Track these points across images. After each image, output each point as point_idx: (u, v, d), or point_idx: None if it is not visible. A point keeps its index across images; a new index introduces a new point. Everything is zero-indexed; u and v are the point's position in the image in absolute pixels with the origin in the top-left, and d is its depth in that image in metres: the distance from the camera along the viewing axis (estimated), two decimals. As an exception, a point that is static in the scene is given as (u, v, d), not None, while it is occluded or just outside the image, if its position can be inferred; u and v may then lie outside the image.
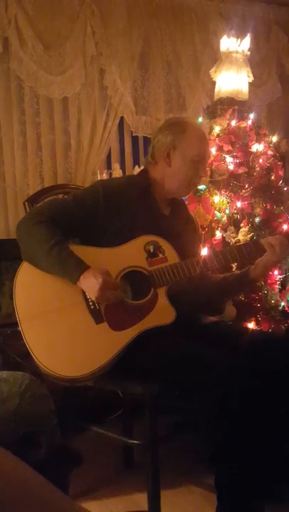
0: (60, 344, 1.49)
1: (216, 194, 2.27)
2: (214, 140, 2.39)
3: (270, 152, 2.45)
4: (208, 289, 1.71)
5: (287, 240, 1.59)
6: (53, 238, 1.51)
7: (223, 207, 2.25)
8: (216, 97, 2.58)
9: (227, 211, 2.25)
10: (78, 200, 1.64)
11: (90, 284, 1.46)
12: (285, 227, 2.27)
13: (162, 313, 1.52)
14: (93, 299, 1.49)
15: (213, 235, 2.20)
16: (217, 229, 2.21)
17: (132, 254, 1.56)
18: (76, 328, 1.50)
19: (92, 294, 1.48)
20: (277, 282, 2.21)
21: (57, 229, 1.54)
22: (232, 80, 2.51)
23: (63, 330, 1.50)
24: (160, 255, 1.56)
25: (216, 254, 1.59)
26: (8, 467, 0.68)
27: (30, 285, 1.55)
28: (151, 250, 1.57)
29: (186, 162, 1.66)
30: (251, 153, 2.38)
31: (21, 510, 0.63)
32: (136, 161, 3.23)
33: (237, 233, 2.19)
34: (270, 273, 2.15)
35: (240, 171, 2.32)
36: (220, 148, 2.37)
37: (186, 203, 2.17)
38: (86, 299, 1.52)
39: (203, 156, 1.69)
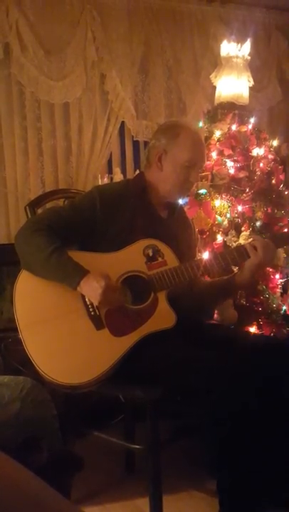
0: (61, 351, 1.49)
1: (217, 198, 2.27)
2: (215, 144, 2.40)
3: (270, 156, 2.46)
4: (199, 293, 1.70)
5: (272, 242, 1.58)
6: (52, 245, 1.50)
7: (224, 211, 2.25)
8: (216, 102, 2.59)
9: (228, 215, 2.25)
10: (75, 207, 1.64)
11: (92, 289, 1.45)
12: (286, 230, 2.27)
13: (163, 317, 1.51)
14: (96, 303, 1.48)
15: (214, 239, 2.20)
16: (218, 233, 2.21)
17: (131, 258, 1.56)
18: (77, 335, 1.50)
19: (94, 299, 1.47)
20: (279, 286, 2.21)
21: (55, 236, 1.54)
22: (232, 84, 2.52)
23: (64, 337, 1.50)
24: (159, 259, 1.56)
25: (216, 256, 1.59)
26: (8, 471, 0.68)
27: (30, 293, 1.55)
28: (151, 254, 1.56)
29: (176, 167, 1.65)
30: (252, 157, 2.39)
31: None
32: (137, 166, 3.23)
33: (238, 237, 2.19)
34: (272, 277, 2.15)
35: (241, 175, 2.32)
36: (220, 153, 2.38)
37: (187, 207, 2.18)
38: (86, 306, 1.51)
39: (195, 162, 1.66)
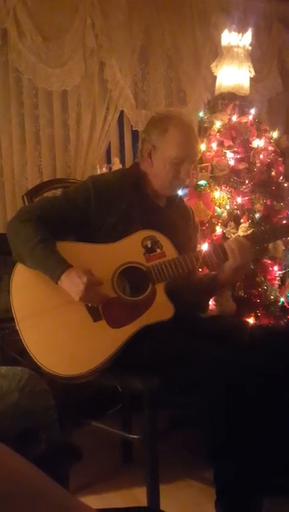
0: (58, 343, 1.48)
1: (217, 190, 2.26)
2: (215, 135, 2.38)
3: (270, 148, 2.45)
4: (194, 287, 1.69)
5: (248, 242, 1.56)
6: (38, 236, 1.49)
7: (224, 202, 2.24)
8: (216, 92, 2.56)
9: (227, 207, 2.25)
10: (69, 197, 1.62)
11: (74, 284, 1.43)
12: (285, 223, 2.27)
13: (161, 309, 1.51)
14: (76, 299, 1.44)
15: (214, 230, 2.19)
16: (217, 224, 2.21)
17: (129, 249, 1.55)
18: (74, 327, 1.49)
19: (75, 294, 1.44)
20: (277, 278, 2.21)
21: (43, 227, 1.52)
22: (233, 74, 2.49)
23: (61, 328, 1.49)
24: (158, 250, 1.55)
25: (215, 248, 1.58)
26: (6, 461, 0.68)
27: (27, 284, 1.54)
28: (149, 245, 1.55)
29: (165, 164, 1.62)
30: (252, 148, 2.37)
31: (20, 504, 0.62)
32: (136, 156, 3.20)
33: (237, 229, 2.19)
34: (270, 269, 2.15)
35: (241, 166, 2.31)
36: (221, 144, 2.36)
37: (187, 198, 2.17)
38: None
39: (183, 159, 1.61)
